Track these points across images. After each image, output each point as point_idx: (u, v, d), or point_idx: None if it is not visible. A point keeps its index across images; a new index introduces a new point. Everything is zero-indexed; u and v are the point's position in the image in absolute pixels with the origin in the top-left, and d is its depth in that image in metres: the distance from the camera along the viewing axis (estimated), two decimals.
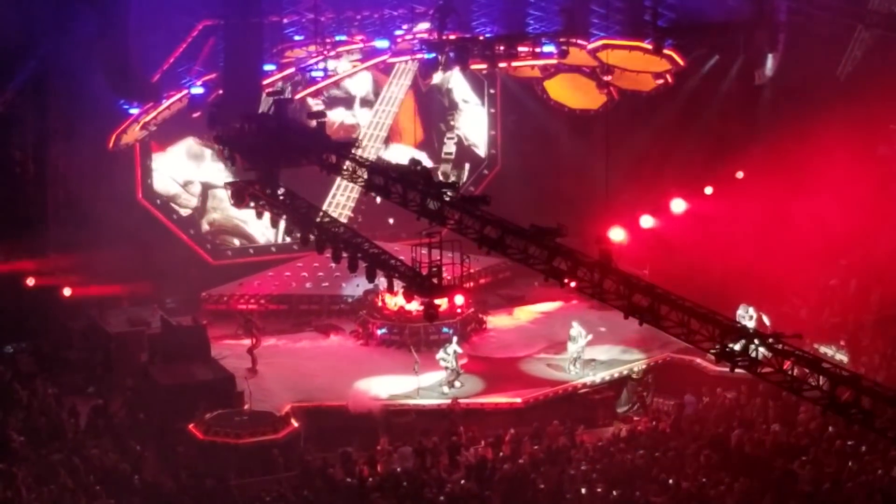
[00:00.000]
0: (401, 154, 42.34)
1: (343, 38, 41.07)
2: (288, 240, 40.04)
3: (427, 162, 41.97)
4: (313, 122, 32.33)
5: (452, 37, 39.28)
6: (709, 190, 39.30)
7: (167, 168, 41.79)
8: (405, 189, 26.54)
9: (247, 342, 35.95)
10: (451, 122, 45.88)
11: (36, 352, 33.36)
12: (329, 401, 32.98)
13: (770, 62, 41.07)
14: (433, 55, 38.90)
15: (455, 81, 45.28)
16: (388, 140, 44.77)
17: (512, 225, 24.15)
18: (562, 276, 23.36)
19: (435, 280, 27.00)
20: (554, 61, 40.37)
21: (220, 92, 36.22)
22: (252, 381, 33.86)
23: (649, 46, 39.65)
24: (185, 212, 42.04)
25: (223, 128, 33.51)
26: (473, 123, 46.19)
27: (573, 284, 23.46)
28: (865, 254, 35.65)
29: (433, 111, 45.68)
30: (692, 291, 23.12)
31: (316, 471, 29.26)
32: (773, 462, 27.66)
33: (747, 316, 33.30)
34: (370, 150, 42.80)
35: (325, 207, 39.21)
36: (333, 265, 34.01)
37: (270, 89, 36.82)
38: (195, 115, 38.37)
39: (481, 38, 40.40)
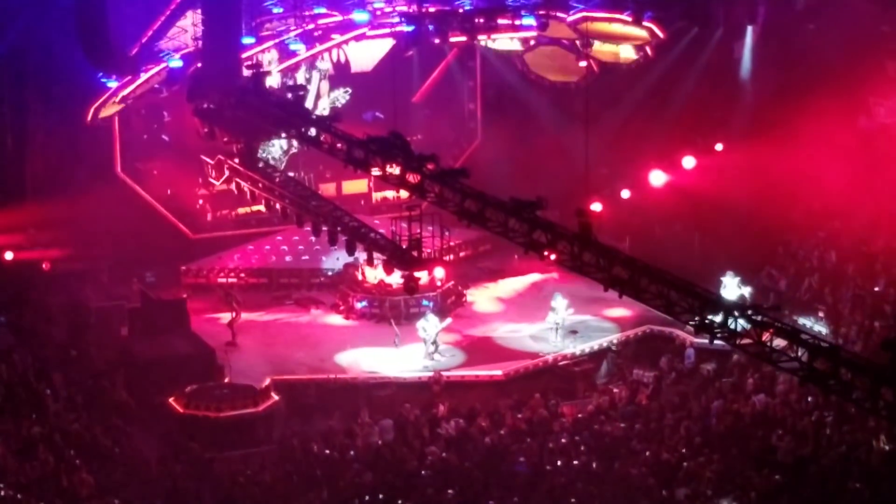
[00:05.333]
0: None
1: (322, 10, 40.93)
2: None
3: None
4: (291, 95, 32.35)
5: (432, 9, 39.20)
6: (689, 162, 39.33)
7: None
8: (384, 162, 26.54)
9: (227, 316, 35.91)
10: None
11: (14, 326, 33.25)
12: (309, 374, 32.98)
13: (749, 34, 41.08)
14: (412, 28, 38.82)
15: None
16: None
17: (492, 198, 24.19)
18: (542, 248, 23.44)
19: (415, 253, 27.10)
20: (534, 34, 40.29)
21: (199, 65, 36.05)
22: (232, 355, 33.85)
23: (629, 19, 39.61)
24: None
25: (202, 101, 33.46)
26: None
27: (553, 257, 23.53)
28: (844, 225, 35.74)
29: None
30: (672, 264, 23.18)
31: (296, 444, 29.29)
32: (752, 434, 27.79)
33: (733, 283, 33.28)
34: None
35: None
36: (313, 238, 34.14)
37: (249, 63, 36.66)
38: (174, 88, 38.24)
39: (461, 10, 40.32)
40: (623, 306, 33.40)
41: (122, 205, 39.36)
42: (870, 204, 35.56)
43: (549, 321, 35.03)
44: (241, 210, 41.94)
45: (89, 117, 38.38)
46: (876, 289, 32.55)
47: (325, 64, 43.02)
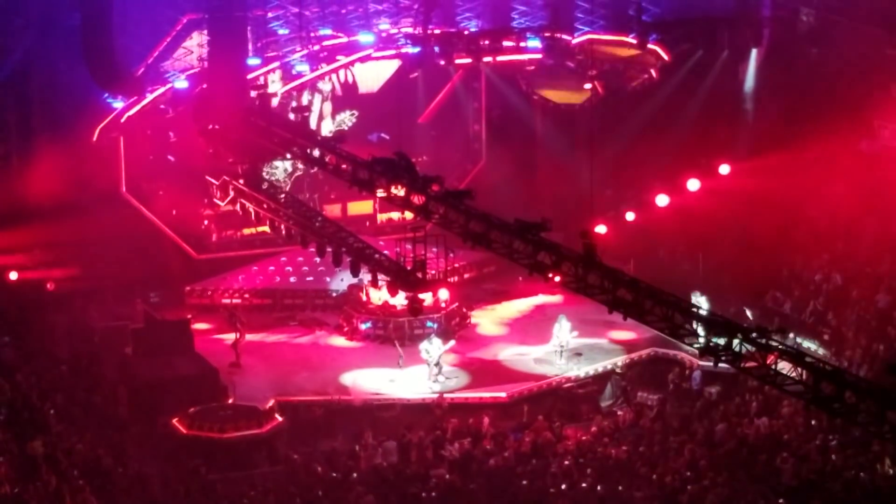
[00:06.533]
0: None
1: (328, 31, 41.05)
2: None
3: None
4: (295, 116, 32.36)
5: (437, 31, 39.30)
6: (693, 185, 39.31)
7: None
8: (389, 183, 26.56)
9: (231, 336, 35.88)
10: None
11: (18, 346, 33.24)
12: (313, 395, 32.93)
13: (754, 57, 41.13)
14: (418, 49, 38.92)
15: None
16: None
17: (496, 219, 24.19)
18: (546, 270, 23.41)
19: (419, 274, 27.06)
20: (538, 56, 40.37)
21: (205, 86, 36.16)
22: (236, 376, 33.82)
23: (634, 41, 39.69)
24: None
25: (208, 122, 33.54)
26: None
27: (557, 279, 23.50)
28: (849, 248, 35.70)
29: None
30: (676, 286, 23.16)
31: (300, 465, 29.23)
32: (757, 457, 27.72)
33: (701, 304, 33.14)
34: None
35: None
36: (318, 259, 34.12)
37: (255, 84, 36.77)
38: (179, 109, 38.32)
39: (466, 32, 40.45)
40: (629, 329, 33.35)
41: (127, 225, 39.39)
42: (874, 226, 35.51)
43: (554, 343, 34.99)
44: (246, 231, 41.96)
45: (95, 137, 38.47)
46: (878, 299, 32.48)
47: (326, 85, 43.10)
